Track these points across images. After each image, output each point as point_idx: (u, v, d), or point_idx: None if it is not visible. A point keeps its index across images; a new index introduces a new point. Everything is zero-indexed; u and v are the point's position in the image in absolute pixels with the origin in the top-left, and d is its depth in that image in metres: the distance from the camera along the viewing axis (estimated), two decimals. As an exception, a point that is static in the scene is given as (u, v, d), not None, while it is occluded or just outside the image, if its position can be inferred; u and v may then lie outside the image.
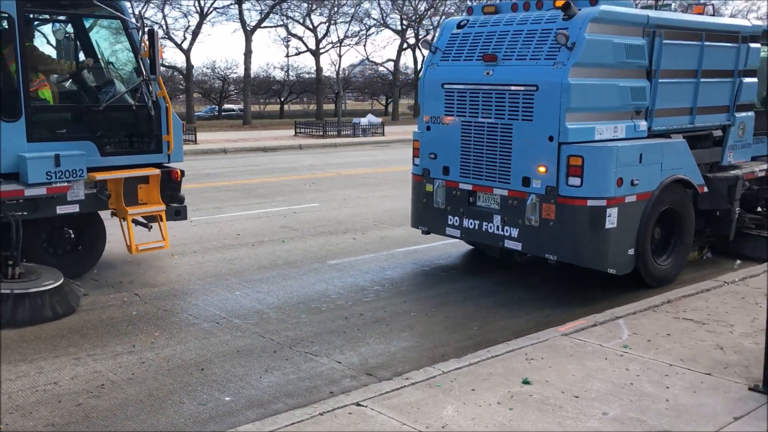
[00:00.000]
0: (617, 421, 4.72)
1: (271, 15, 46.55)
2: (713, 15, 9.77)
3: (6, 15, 7.33)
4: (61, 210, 7.82)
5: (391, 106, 53.51)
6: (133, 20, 8.36)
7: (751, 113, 9.89)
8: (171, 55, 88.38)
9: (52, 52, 8.62)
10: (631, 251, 7.90)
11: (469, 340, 6.73)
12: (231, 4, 45.04)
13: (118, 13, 8.18)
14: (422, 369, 5.69)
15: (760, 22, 10.14)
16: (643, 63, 8.14)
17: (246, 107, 46.80)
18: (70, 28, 8.62)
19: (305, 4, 46.37)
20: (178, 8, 44.92)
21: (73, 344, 6.53)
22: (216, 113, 60.47)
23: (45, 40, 8.54)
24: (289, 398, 5.48)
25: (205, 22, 44.92)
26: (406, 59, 53.09)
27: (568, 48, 7.50)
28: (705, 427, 4.65)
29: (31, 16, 7.83)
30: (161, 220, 8.54)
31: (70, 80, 8.71)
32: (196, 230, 11.48)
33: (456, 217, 8.70)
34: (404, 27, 49.15)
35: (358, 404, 4.96)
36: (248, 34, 45.04)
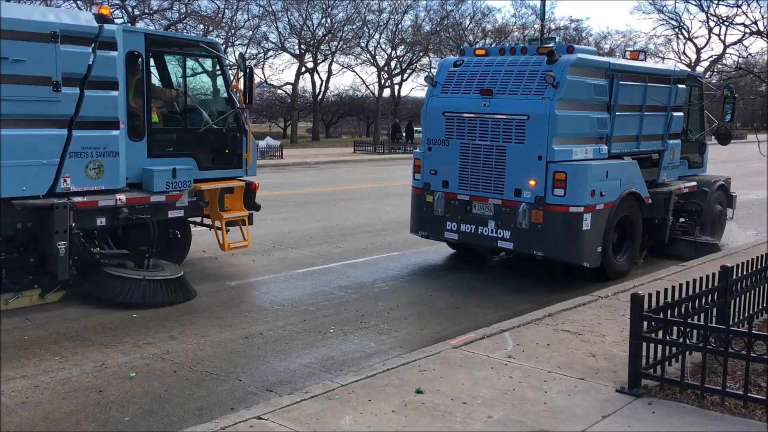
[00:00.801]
0: (500, 423, 5.15)
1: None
2: (644, 60, 12.09)
3: (136, 53, 8.86)
4: (171, 214, 9.36)
5: (290, 128, 53.58)
6: (228, 59, 9.65)
7: (678, 141, 12.23)
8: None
9: (158, 83, 10.11)
10: (599, 249, 9.89)
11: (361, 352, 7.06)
12: (125, 23, 43.94)
13: (216, 53, 9.98)
14: (321, 383, 5.95)
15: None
16: (605, 99, 10.28)
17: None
18: (177, 64, 10.13)
19: (201, 26, 45.91)
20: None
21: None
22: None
23: (155, 73, 10.01)
24: (190, 415, 5.59)
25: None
26: (305, 83, 53.18)
27: (553, 86, 9.47)
28: (577, 425, 5.15)
29: (151, 53, 9.25)
30: (244, 224, 10.21)
31: (176, 107, 10.04)
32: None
33: (454, 223, 10.43)
34: (302, 51, 49.53)
35: (259, 418, 5.15)
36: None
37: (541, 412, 5.36)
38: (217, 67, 10.32)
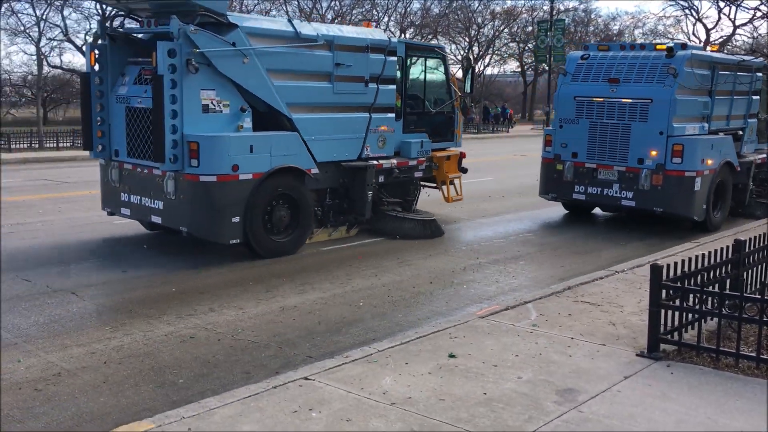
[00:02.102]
0: (530, 383, 5.55)
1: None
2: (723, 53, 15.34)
3: (401, 56, 12.11)
4: (416, 174, 12.58)
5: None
6: (451, 58, 13.97)
7: (754, 120, 14.81)
8: (70, 58, 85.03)
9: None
10: (704, 206, 12.43)
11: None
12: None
13: (443, 54, 13.44)
14: (359, 348, 6.36)
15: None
16: (708, 86, 12.76)
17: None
18: (419, 63, 13.02)
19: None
20: (79, 11, 43.62)
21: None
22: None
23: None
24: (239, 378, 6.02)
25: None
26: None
27: (674, 76, 11.98)
28: (602, 384, 5.54)
29: (406, 56, 12.45)
30: (455, 182, 13.49)
31: (416, 96, 12.93)
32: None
33: (582, 186, 13.12)
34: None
35: (306, 378, 5.56)
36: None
37: (567, 373, 5.76)
38: (442, 66, 13.40)
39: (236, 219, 9.62)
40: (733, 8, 44.50)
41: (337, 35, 10.93)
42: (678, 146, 12.06)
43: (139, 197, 10.30)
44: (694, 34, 58.30)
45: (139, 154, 10.11)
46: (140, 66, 10.15)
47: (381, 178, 11.73)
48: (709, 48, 14.09)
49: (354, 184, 11.27)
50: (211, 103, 9.54)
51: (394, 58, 11.69)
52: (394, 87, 11.73)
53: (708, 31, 59.06)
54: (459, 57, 52.41)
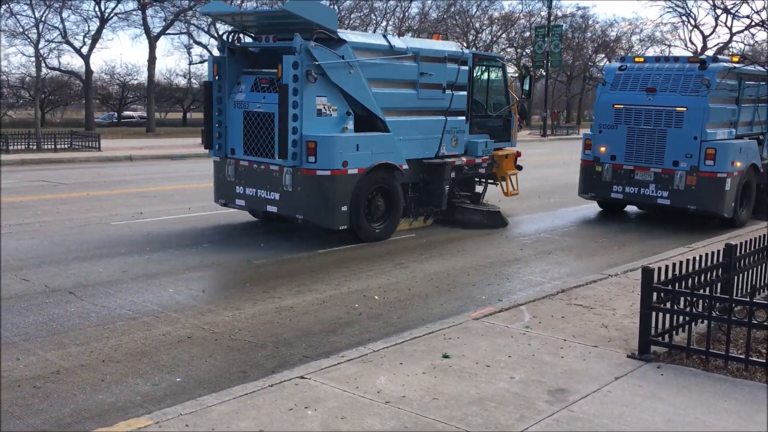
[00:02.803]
0: (522, 383, 5.64)
1: (176, 22, 46.08)
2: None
3: (468, 66, 13.43)
4: (480, 171, 14.08)
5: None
6: (509, 68, 17.56)
7: None
8: (69, 60, 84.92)
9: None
10: (733, 204, 13.70)
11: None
12: (134, 10, 44.36)
13: (503, 63, 15.45)
14: (354, 348, 6.44)
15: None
16: (735, 95, 14.11)
17: (150, 114, 46.05)
18: (483, 71, 14.77)
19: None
20: (78, 13, 43.73)
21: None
22: (115, 120, 58.89)
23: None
24: (235, 378, 6.09)
25: (105, 27, 44.01)
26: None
27: (707, 86, 13.14)
28: (592, 385, 5.63)
29: (473, 66, 13.94)
30: (512, 178, 15.04)
31: (480, 101, 14.62)
32: (117, 232, 11.77)
33: (620, 186, 14.33)
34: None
35: (302, 377, 5.64)
36: (152, 40, 44.42)
37: (558, 373, 5.85)
38: (501, 74, 15.12)
39: (344, 208, 11.21)
40: (730, 16, 44.72)
41: (422, 48, 12.57)
42: (711, 150, 13.33)
43: (254, 190, 11.75)
44: (690, 41, 58.52)
45: (256, 152, 11.59)
46: (256, 76, 11.72)
47: (452, 174, 13.17)
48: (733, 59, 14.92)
49: (432, 179, 12.89)
50: (324, 108, 11.18)
51: (466, 68, 13.30)
52: (465, 93, 13.42)
53: (705, 38, 59.33)
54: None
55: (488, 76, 14.94)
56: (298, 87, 10.71)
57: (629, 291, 8.48)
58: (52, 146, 28.05)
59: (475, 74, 14.22)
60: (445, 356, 6.17)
